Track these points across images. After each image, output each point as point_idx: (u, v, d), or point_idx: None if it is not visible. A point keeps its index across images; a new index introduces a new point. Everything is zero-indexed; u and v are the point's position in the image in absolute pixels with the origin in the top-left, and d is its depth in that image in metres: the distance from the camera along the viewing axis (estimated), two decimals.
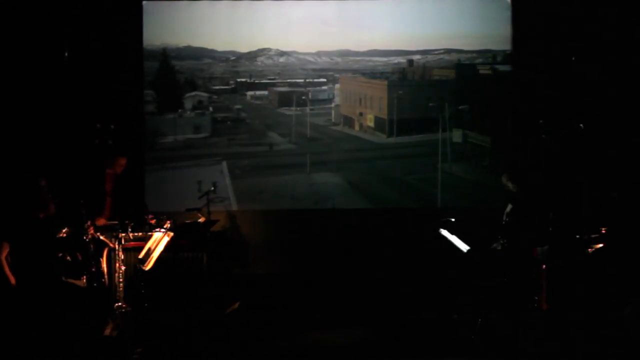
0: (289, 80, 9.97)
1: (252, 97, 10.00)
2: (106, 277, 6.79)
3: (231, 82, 9.92)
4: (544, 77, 8.77)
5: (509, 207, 6.86)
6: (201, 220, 7.43)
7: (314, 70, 9.97)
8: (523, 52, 8.97)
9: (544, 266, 6.51)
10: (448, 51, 9.54)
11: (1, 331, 5.72)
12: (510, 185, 6.89)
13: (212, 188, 7.89)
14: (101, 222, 7.08)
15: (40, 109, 8.33)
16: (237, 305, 7.09)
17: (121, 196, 7.33)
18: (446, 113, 9.62)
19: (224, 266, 7.94)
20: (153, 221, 7.10)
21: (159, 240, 6.83)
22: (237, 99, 9.93)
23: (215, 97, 9.81)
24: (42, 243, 6.02)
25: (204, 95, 9.77)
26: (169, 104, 9.59)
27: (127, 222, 6.87)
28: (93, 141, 8.36)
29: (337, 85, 10.00)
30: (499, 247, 6.68)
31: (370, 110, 10.23)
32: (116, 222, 6.93)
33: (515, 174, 6.97)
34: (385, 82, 9.98)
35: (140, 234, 6.95)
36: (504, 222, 6.84)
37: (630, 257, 6.33)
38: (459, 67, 9.53)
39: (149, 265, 6.70)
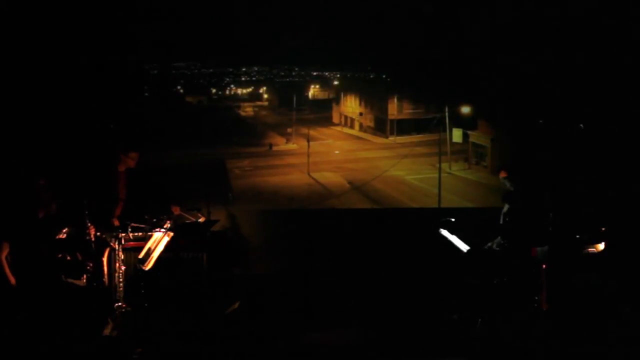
0: (288, 80, 9.99)
1: (252, 97, 10.02)
2: (106, 277, 6.79)
3: (232, 82, 9.93)
4: (544, 77, 8.78)
5: (506, 207, 6.88)
6: (201, 220, 7.43)
7: (314, 70, 9.98)
8: (523, 53, 8.97)
9: (544, 266, 6.52)
10: (448, 51, 9.56)
11: (1, 331, 5.73)
12: (507, 182, 6.91)
13: (214, 189, 7.86)
14: (117, 223, 7.09)
15: (41, 109, 8.34)
16: (237, 305, 7.09)
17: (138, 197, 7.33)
18: (446, 113, 9.63)
19: (224, 266, 7.94)
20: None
21: (159, 240, 6.83)
22: (237, 98, 9.94)
23: (215, 97, 9.82)
24: (42, 243, 6.03)
25: (204, 95, 9.79)
26: (170, 104, 9.60)
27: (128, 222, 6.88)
28: (94, 141, 8.37)
29: (337, 85, 9.99)
30: (495, 247, 6.70)
31: (371, 110, 10.22)
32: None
33: (512, 170, 6.99)
34: (386, 82, 9.97)
35: (140, 234, 6.96)
36: (501, 223, 6.86)
37: (629, 256, 6.34)
38: (459, 66, 9.54)
39: (149, 265, 6.70)
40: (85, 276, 6.36)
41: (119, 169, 7.29)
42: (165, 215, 7.17)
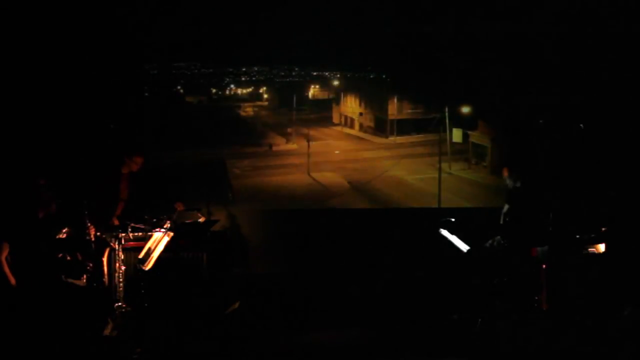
0: (289, 80, 10.00)
1: (252, 97, 10.02)
2: (106, 277, 6.80)
3: (232, 82, 9.94)
4: (544, 77, 8.79)
5: (506, 207, 6.88)
6: (201, 220, 7.43)
7: (314, 70, 9.99)
8: (524, 53, 8.98)
9: (544, 266, 6.52)
10: (449, 52, 9.56)
11: (1, 331, 5.73)
12: (508, 181, 6.91)
13: (214, 189, 7.87)
14: (117, 223, 7.11)
15: (41, 109, 8.35)
16: (237, 305, 7.09)
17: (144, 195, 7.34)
18: (446, 113, 9.63)
19: (224, 266, 7.94)
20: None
21: (159, 240, 6.84)
22: (237, 98, 9.94)
23: (215, 96, 9.83)
24: (42, 243, 6.03)
25: (204, 95, 9.79)
26: (170, 104, 9.62)
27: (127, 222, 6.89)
28: (94, 141, 8.39)
29: (337, 85, 10.00)
30: (495, 245, 6.71)
31: (371, 110, 10.23)
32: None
33: (515, 168, 6.99)
34: (386, 82, 9.98)
35: (140, 234, 6.97)
36: (502, 223, 6.86)
37: (630, 256, 6.34)
38: (460, 67, 9.54)
39: (149, 265, 6.70)
40: (85, 276, 6.37)
41: (122, 171, 7.30)
42: (165, 215, 7.17)
